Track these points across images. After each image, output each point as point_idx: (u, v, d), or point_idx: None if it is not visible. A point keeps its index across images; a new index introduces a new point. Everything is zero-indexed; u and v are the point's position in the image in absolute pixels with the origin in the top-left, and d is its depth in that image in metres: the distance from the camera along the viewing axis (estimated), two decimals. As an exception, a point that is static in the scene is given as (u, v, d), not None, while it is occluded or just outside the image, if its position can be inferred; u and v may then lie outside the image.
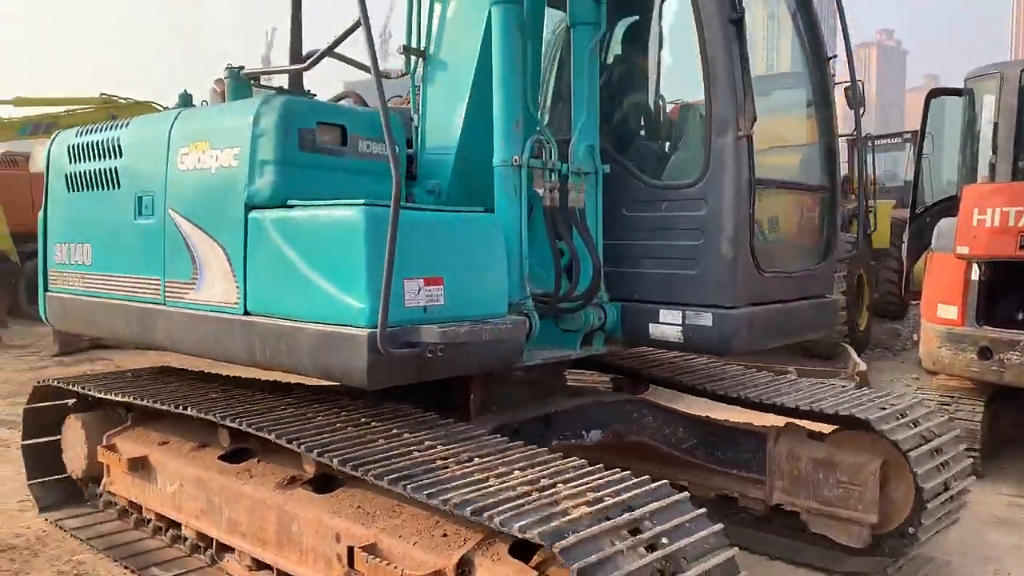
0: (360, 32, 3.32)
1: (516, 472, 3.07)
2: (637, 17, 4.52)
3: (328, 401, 3.98)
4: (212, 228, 3.70)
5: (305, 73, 4.25)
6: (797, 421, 4.54)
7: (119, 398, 4.30)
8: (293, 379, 4.25)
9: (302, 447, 3.28)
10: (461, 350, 3.30)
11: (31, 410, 4.92)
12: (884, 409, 4.25)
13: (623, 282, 4.22)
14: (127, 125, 4.31)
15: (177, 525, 4.23)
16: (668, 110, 4.52)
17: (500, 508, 2.71)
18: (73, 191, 4.58)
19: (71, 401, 4.91)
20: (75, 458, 4.77)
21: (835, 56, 4.73)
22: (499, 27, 3.75)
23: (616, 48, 4.57)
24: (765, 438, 4.53)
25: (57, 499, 4.95)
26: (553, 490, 2.89)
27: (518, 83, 3.78)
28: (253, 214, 3.51)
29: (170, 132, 3.96)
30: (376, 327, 3.00)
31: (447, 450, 3.28)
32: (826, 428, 4.49)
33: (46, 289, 4.81)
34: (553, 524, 2.62)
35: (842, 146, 12.80)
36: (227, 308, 3.62)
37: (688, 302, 4.02)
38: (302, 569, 3.51)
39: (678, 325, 4.05)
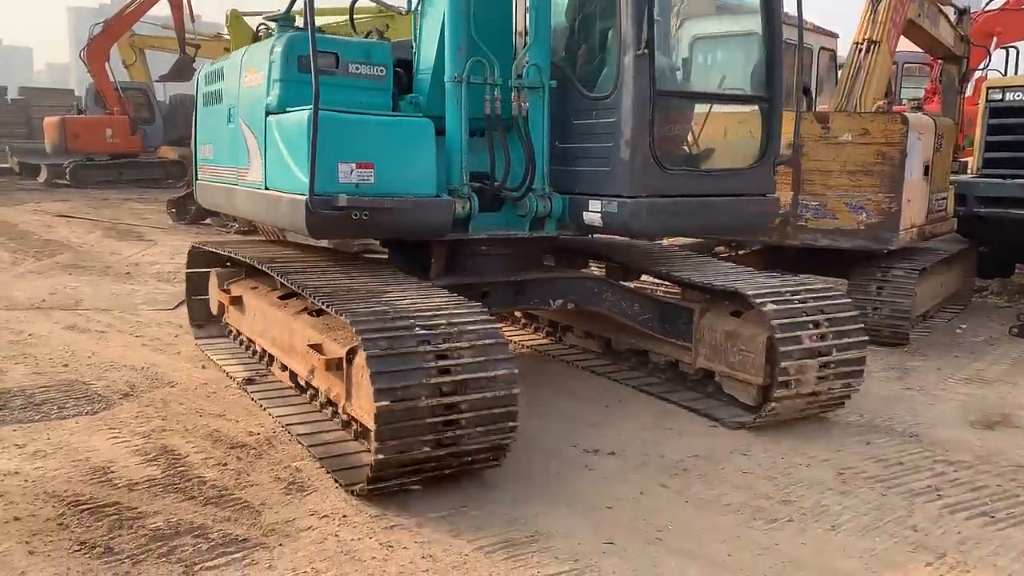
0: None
1: (408, 303, 4.23)
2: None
3: (344, 264, 5.34)
4: (254, 128, 5.19)
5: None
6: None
7: (222, 252, 6.04)
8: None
9: (285, 279, 4.73)
10: (386, 216, 4.54)
11: (193, 254, 6.77)
12: (771, 287, 4.92)
13: (568, 178, 5.21)
14: (228, 58, 5.93)
15: (253, 342, 5.92)
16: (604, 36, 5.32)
17: (359, 316, 3.92)
18: (205, 106, 6.32)
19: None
20: (212, 299, 6.59)
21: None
22: (447, -28, 4.85)
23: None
24: (693, 313, 5.33)
25: (205, 334, 6.79)
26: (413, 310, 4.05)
27: (462, 16, 4.87)
28: (269, 118, 4.95)
29: (242, 61, 5.50)
30: (317, 195, 4.34)
31: (378, 288, 4.53)
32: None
33: (196, 178, 6.65)
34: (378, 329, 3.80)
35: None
36: (258, 185, 5.13)
37: (605, 193, 4.94)
38: (298, 366, 5.00)
39: (599, 212, 4.99)
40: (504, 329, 7.27)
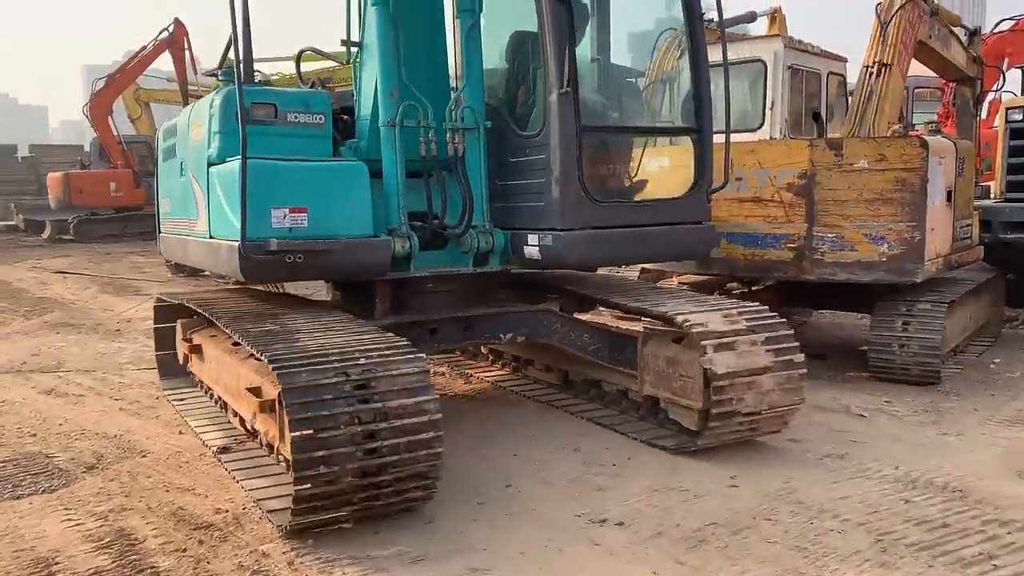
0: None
1: (334, 342, 4.38)
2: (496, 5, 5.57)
3: (285, 304, 5.52)
4: (200, 180, 5.40)
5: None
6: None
7: (176, 302, 6.21)
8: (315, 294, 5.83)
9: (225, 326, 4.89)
10: (321, 258, 4.70)
11: (158, 311, 6.97)
12: (705, 311, 5.02)
13: (509, 214, 5.37)
14: (181, 114, 6.16)
15: (211, 390, 6.08)
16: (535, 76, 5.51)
17: (284, 358, 4.07)
18: (164, 161, 6.56)
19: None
20: (179, 347, 6.76)
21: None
22: (374, 21, 5.08)
23: (503, 28, 5.64)
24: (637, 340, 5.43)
25: (173, 373, 6.95)
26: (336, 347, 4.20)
27: (391, 63, 5.10)
28: (211, 169, 5.16)
29: (189, 116, 5.73)
30: (248, 241, 4.51)
31: (310, 329, 4.68)
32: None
33: (158, 231, 6.86)
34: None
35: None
36: (204, 234, 5.32)
37: (540, 227, 5.09)
38: (244, 411, 5.14)
39: (537, 246, 5.14)
40: (470, 364, 7.40)
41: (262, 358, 4.00)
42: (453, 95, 5.25)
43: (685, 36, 5.39)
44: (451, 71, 5.58)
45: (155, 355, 7.09)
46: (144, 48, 24.36)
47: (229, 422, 5.71)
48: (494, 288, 5.97)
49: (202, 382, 6.47)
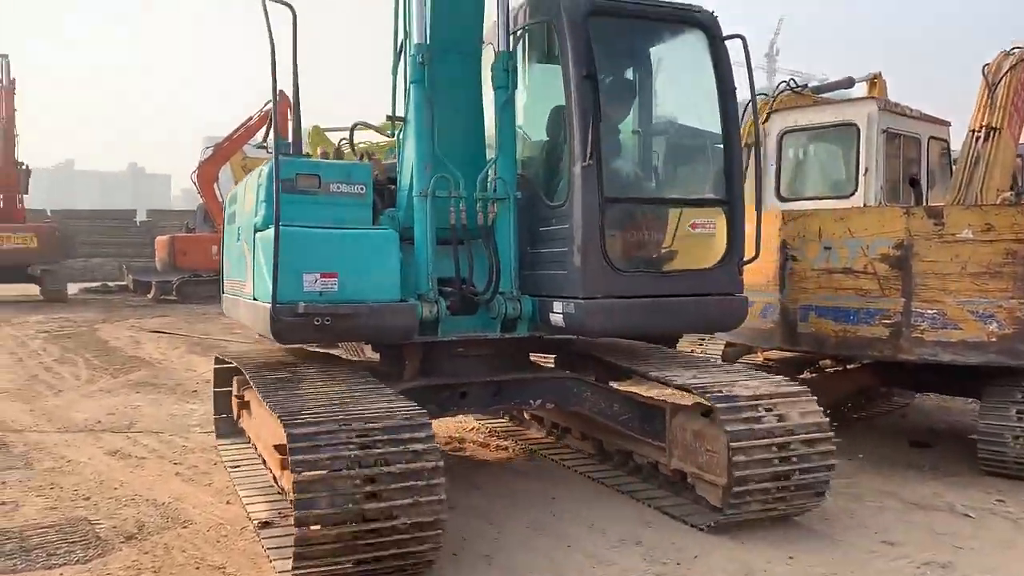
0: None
1: (347, 403, 4.60)
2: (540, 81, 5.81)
3: (320, 366, 5.78)
4: (248, 244, 5.77)
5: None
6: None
7: (230, 364, 6.57)
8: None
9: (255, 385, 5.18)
10: (348, 321, 4.95)
11: (217, 371, 7.36)
12: (731, 385, 5.01)
13: (537, 281, 5.53)
14: (240, 182, 6.61)
15: (255, 446, 6.36)
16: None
17: (296, 414, 4.31)
18: (228, 226, 7.01)
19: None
20: (233, 404, 7.11)
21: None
22: (412, 100, 5.39)
23: (545, 102, 5.87)
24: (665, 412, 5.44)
25: (227, 431, 7.29)
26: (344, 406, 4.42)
27: (426, 137, 5.37)
28: (256, 235, 5.51)
29: (245, 185, 6.15)
30: (279, 303, 4.81)
31: (324, 386, 4.92)
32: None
33: (221, 291, 7.29)
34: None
35: None
36: (249, 296, 5.66)
37: (564, 295, 5.23)
38: (275, 467, 5.37)
39: (561, 313, 5.27)
40: (511, 429, 7.49)
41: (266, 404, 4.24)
42: (492, 166, 5.50)
43: (717, 108, 5.50)
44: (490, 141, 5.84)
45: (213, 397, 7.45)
46: (250, 119, 25.84)
47: (279, 492, 5.72)
48: (522, 353, 6.08)
49: (250, 438, 6.76)
